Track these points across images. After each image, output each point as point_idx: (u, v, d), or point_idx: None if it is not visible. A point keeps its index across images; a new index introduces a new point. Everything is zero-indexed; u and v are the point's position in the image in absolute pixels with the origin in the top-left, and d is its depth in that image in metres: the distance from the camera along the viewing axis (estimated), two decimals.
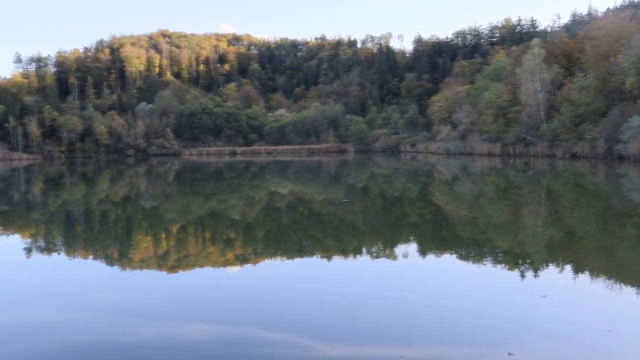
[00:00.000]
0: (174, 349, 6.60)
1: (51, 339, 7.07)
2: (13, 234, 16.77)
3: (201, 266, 11.68)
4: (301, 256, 12.43)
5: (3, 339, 7.09)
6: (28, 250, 13.55)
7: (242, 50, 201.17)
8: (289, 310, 8.16)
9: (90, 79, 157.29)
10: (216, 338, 6.94)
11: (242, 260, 12.07)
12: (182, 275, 10.89)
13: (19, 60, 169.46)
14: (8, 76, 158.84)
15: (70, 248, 14.20)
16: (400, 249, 12.95)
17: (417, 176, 40.08)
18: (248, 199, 26.02)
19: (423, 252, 12.67)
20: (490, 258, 11.70)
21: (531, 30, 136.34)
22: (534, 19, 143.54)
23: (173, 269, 11.40)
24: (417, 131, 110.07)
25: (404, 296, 8.83)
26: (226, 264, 11.87)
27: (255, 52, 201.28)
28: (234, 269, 11.27)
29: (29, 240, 15.39)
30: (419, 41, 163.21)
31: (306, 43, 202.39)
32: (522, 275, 10.01)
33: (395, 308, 8.21)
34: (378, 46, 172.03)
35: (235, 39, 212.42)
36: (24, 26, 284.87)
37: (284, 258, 12.23)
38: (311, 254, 12.72)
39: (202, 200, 25.97)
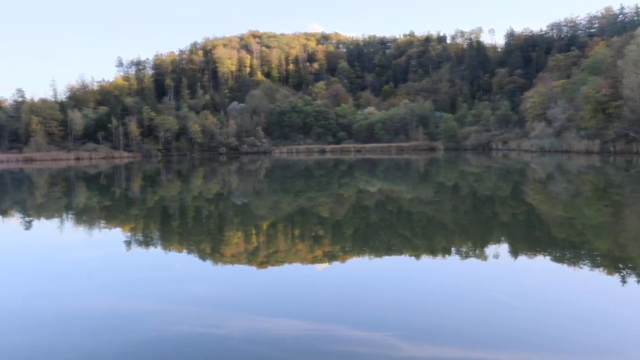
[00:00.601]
0: (262, 343, 6.72)
1: (147, 329, 7.38)
2: (115, 227, 17.65)
3: (290, 262, 11.83)
4: (389, 254, 12.32)
5: (101, 329, 7.47)
6: (127, 244, 14.23)
7: (331, 48, 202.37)
8: (377, 309, 8.11)
9: (185, 80, 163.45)
10: (303, 334, 7.00)
11: (330, 257, 12.13)
12: (272, 270, 11.08)
13: (120, 64, 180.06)
14: (111, 79, 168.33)
15: (166, 242, 14.78)
16: (490, 249, 12.58)
17: (509, 174, 38.85)
18: (337, 197, 26.13)
19: (514, 252, 12.25)
20: (588, 261, 11.12)
21: (635, 18, 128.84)
22: (639, 6, 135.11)
23: (263, 264, 11.61)
24: (509, 128, 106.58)
25: (493, 297, 8.57)
26: (314, 260, 11.96)
27: (344, 50, 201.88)
28: (322, 266, 11.34)
29: (128, 234, 16.16)
30: (511, 35, 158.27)
31: (395, 40, 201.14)
32: (624, 281, 9.46)
33: (484, 309, 7.99)
34: (468, 41, 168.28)
35: (323, 38, 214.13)
36: (125, 32, 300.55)
37: (372, 256, 12.18)
38: (399, 252, 12.59)
39: (292, 198, 26.31)
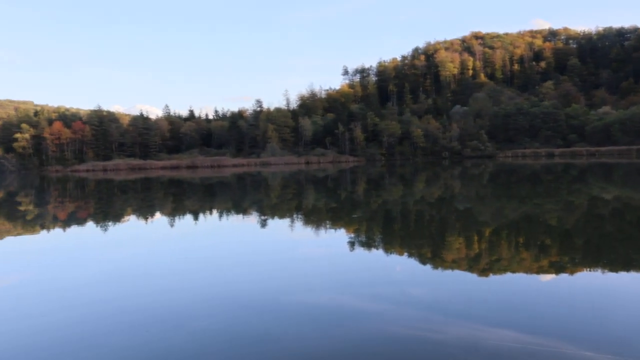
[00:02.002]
0: (477, 351, 6.52)
1: (365, 326, 7.59)
2: (339, 228, 18.53)
3: (513, 271, 11.33)
4: (627, 270, 11.09)
5: (324, 322, 7.84)
6: (351, 244, 14.83)
7: (559, 45, 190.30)
8: (608, 329, 7.36)
9: (407, 85, 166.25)
10: (522, 347, 6.62)
11: (557, 268, 11.36)
12: (493, 279, 10.72)
13: (346, 72, 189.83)
14: (337, 87, 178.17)
15: (387, 245, 15.09)
16: None
17: None
18: (566, 204, 24.46)
19: None
20: None
21: None
22: None
23: (484, 272, 11.30)
24: None
25: None
26: (540, 271, 11.30)
27: (574, 45, 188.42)
28: (548, 277, 10.67)
29: (352, 235, 16.85)
30: None
31: (635, 30, 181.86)
32: None
33: None
34: None
35: (551, 34, 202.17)
36: (350, 42, 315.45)
37: (606, 270, 11.09)
38: (638, 268, 11.34)
39: (517, 204, 25.25)
